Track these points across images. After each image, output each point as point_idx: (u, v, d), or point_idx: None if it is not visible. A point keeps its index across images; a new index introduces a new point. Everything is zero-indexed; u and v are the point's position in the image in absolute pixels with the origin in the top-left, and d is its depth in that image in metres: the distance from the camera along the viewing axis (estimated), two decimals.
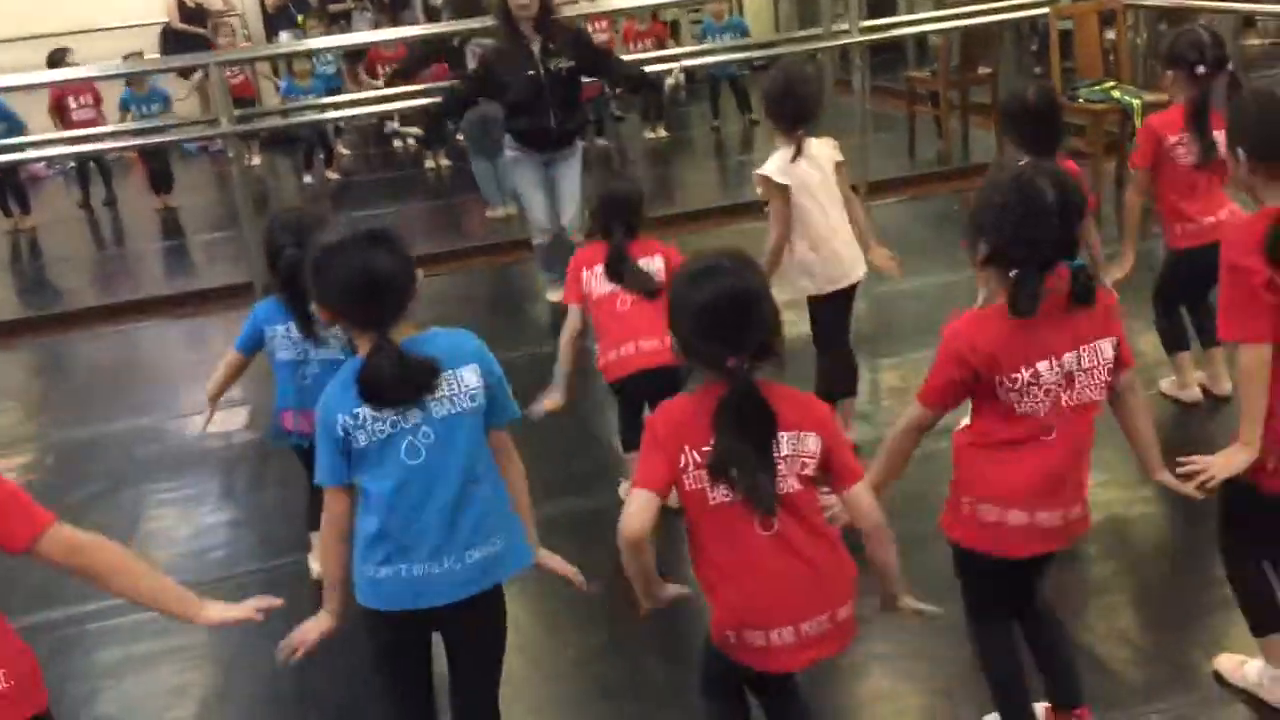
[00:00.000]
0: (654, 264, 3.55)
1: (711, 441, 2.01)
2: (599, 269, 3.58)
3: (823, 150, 3.72)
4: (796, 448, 2.05)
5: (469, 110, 6.15)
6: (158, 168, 9.01)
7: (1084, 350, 2.21)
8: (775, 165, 3.63)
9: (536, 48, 5.17)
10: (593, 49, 5.56)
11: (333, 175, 9.50)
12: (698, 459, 2.03)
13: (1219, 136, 3.56)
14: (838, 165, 3.75)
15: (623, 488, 3.77)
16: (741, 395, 2.00)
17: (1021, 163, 2.31)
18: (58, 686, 3.17)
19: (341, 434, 2.11)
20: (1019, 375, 2.19)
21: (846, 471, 2.10)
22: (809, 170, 3.65)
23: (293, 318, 3.17)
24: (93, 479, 4.39)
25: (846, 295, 3.80)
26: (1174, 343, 4.03)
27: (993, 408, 2.25)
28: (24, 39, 9.85)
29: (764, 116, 3.77)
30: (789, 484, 2.06)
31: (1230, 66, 3.74)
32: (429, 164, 9.41)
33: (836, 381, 3.84)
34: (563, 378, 3.67)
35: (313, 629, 2.24)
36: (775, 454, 2.03)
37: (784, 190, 3.61)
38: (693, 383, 2.11)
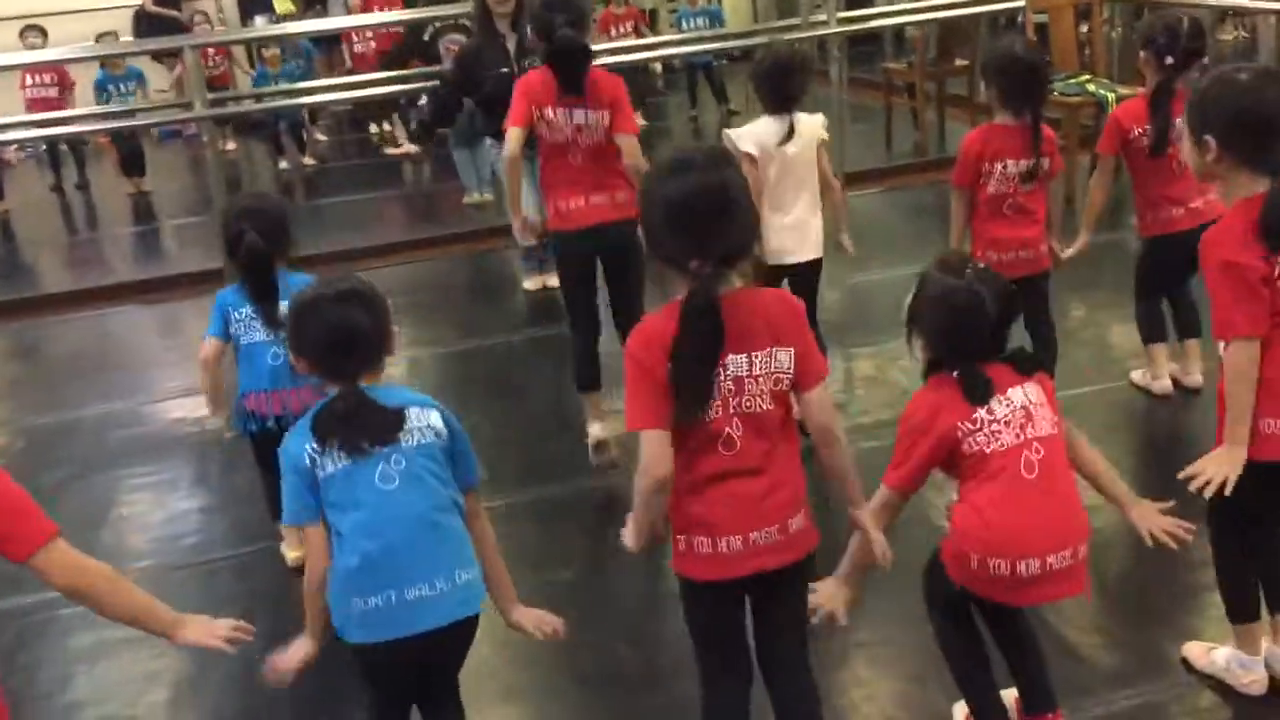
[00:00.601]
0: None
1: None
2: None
3: (811, 127, 3.74)
4: (769, 365, 2.03)
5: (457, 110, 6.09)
6: (128, 151, 8.94)
7: (1028, 386, 2.26)
8: (748, 134, 3.67)
9: (512, 45, 5.11)
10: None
11: (309, 161, 9.46)
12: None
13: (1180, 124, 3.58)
14: (821, 143, 3.78)
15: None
16: (701, 304, 1.95)
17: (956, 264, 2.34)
18: (30, 672, 3.16)
19: (308, 463, 2.10)
20: (979, 417, 2.22)
21: (810, 376, 2.09)
22: (789, 147, 3.68)
23: (257, 305, 3.17)
24: (65, 464, 4.36)
25: (796, 273, 3.79)
26: (1151, 333, 4.03)
27: (970, 469, 2.26)
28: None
29: (753, 94, 3.80)
30: (760, 403, 2.04)
31: (1205, 60, 3.74)
32: (400, 148, 9.37)
33: None
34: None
35: (295, 653, 2.23)
36: (744, 373, 2.01)
37: (749, 158, 3.63)
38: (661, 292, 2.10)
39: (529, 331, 5.45)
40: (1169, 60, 3.69)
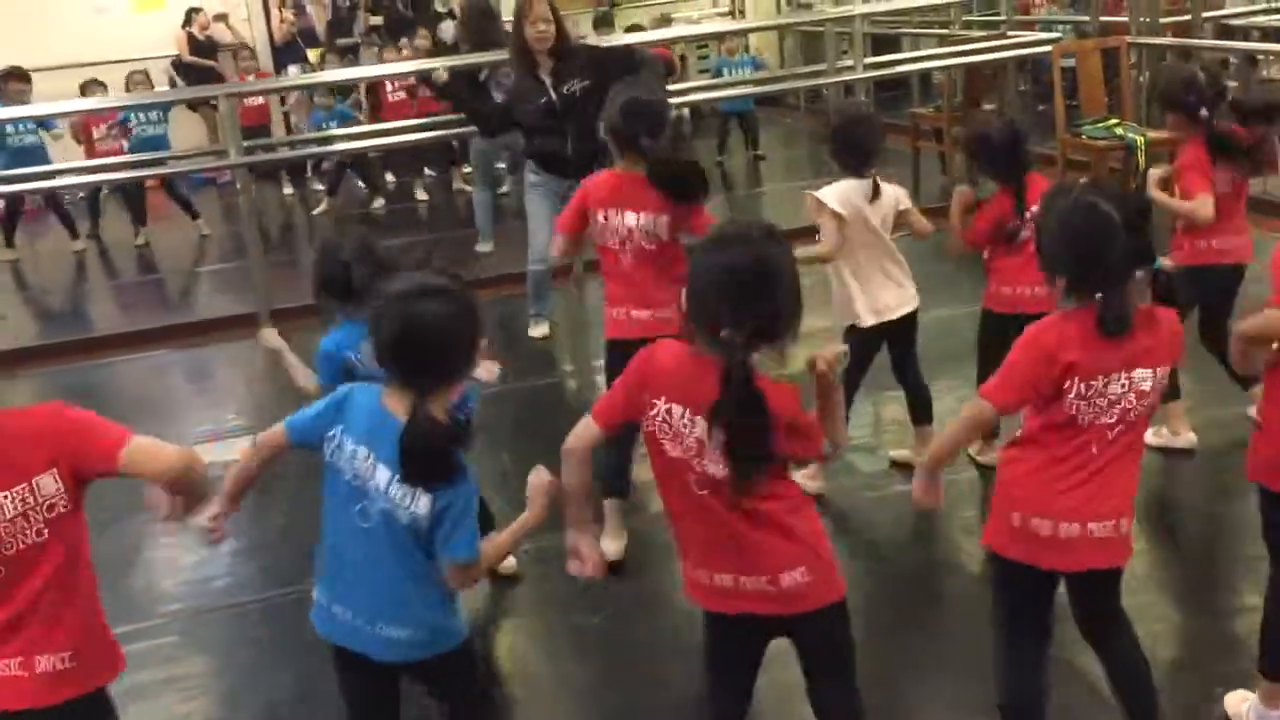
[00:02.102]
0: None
1: (695, 402, 2.01)
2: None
3: (890, 190, 3.75)
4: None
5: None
6: (136, 205, 9.02)
7: (1159, 370, 2.21)
8: (835, 192, 3.64)
9: (549, 76, 5.19)
10: (605, 58, 5.35)
11: (378, 204, 9.44)
12: (673, 414, 2.05)
13: None
14: (900, 213, 3.78)
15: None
16: (735, 374, 1.97)
17: (1063, 186, 2.32)
18: None
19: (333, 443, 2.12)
20: (1094, 384, 2.18)
21: (809, 445, 2.11)
22: (875, 206, 3.68)
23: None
24: (98, 506, 4.31)
25: (898, 328, 3.83)
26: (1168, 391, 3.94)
27: (1050, 418, 2.23)
28: (35, 70, 9.91)
29: (831, 157, 3.77)
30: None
31: (1229, 97, 3.74)
32: (419, 195, 9.46)
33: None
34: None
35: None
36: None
37: (836, 216, 3.62)
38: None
39: (556, 377, 5.47)
40: (1204, 113, 3.70)
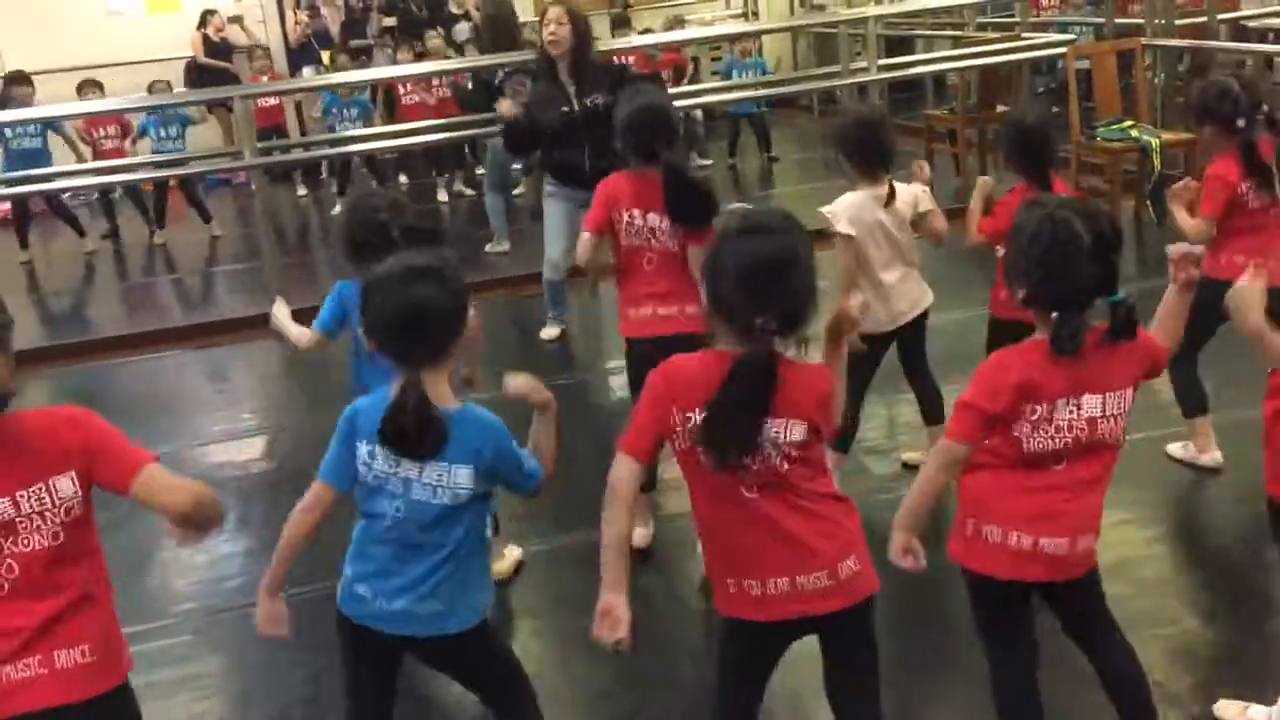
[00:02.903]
0: None
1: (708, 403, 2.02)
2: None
3: (909, 192, 3.70)
4: (781, 436, 2.06)
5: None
6: (158, 206, 9.07)
7: (1110, 396, 2.20)
8: (843, 211, 3.58)
9: (572, 87, 5.19)
10: (624, 78, 5.37)
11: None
12: (682, 423, 2.05)
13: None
14: (921, 214, 3.73)
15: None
16: (760, 360, 1.99)
17: (1042, 200, 2.30)
18: None
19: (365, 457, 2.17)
20: (1039, 409, 2.18)
21: (829, 422, 2.14)
22: (887, 215, 3.62)
23: None
24: (113, 505, 4.35)
25: (910, 331, 3.80)
26: (1198, 404, 3.84)
27: (1005, 436, 2.24)
28: (50, 72, 9.99)
29: (843, 160, 3.69)
30: (780, 463, 2.07)
31: (1265, 106, 3.63)
32: (441, 198, 9.50)
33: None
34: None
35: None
36: (764, 433, 2.04)
37: (845, 240, 3.57)
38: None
39: (572, 377, 5.48)
40: (1240, 123, 3.60)
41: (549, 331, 5.89)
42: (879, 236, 3.64)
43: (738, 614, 2.16)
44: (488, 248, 7.53)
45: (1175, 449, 3.95)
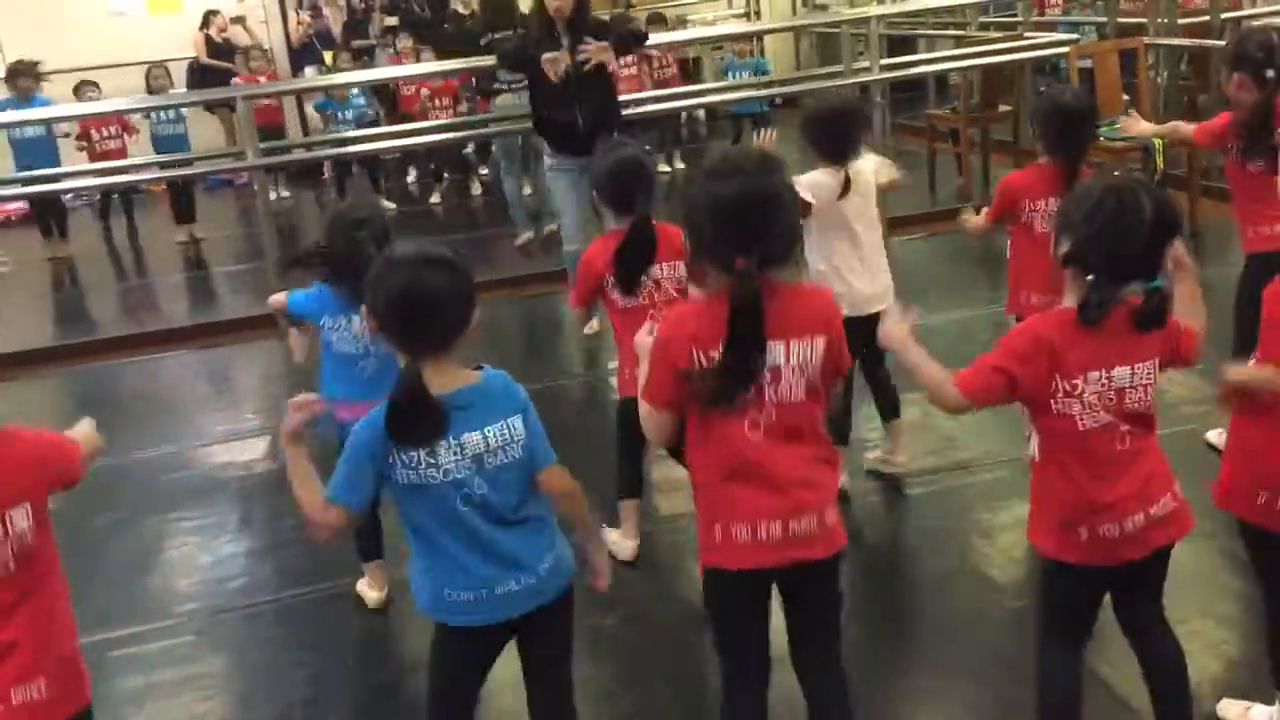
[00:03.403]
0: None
1: (720, 345, 2.03)
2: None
3: (867, 176, 3.64)
4: (805, 355, 2.08)
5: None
6: (183, 199, 9.11)
7: (1138, 367, 2.17)
8: (807, 180, 3.54)
9: (567, 42, 5.25)
10: (606, 29, 5.49)
11: (389, 205, 9.47)
12: (704, 360, 2.06)
13: None
14: (880, 186, 3.69)
15: (611, 536, 3.59)
16: (746, 301, 2.01)
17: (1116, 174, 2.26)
18: None
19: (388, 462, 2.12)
20: (1077, 382, 2.15)
21: (838, 368, 2.17)
22: (845, 202, 3.59)
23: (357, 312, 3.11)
24: (116, 506, 4.41)
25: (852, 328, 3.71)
26: None
27: (1050, 423, 2.20)
28: (53, 72, 9.99)
29: (806, 145, 3.65)
30: (795, 393, 2.09)
31: None
32: (434, 199, 9.50)
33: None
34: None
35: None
36: (780, 361, 2.06)
37: (805, 205, 3.51)
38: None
39: (582, 376, 5.48)
40: (1270, 74, 3.55)
41: (588, 327, 5.84)
42: (838, 223, 3.60)
43: (722, 562, 2.16)
44: (517, 242, 7.52)
45: (1213, 435, 3.96)
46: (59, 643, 2.00)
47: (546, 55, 5.21)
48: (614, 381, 3.97)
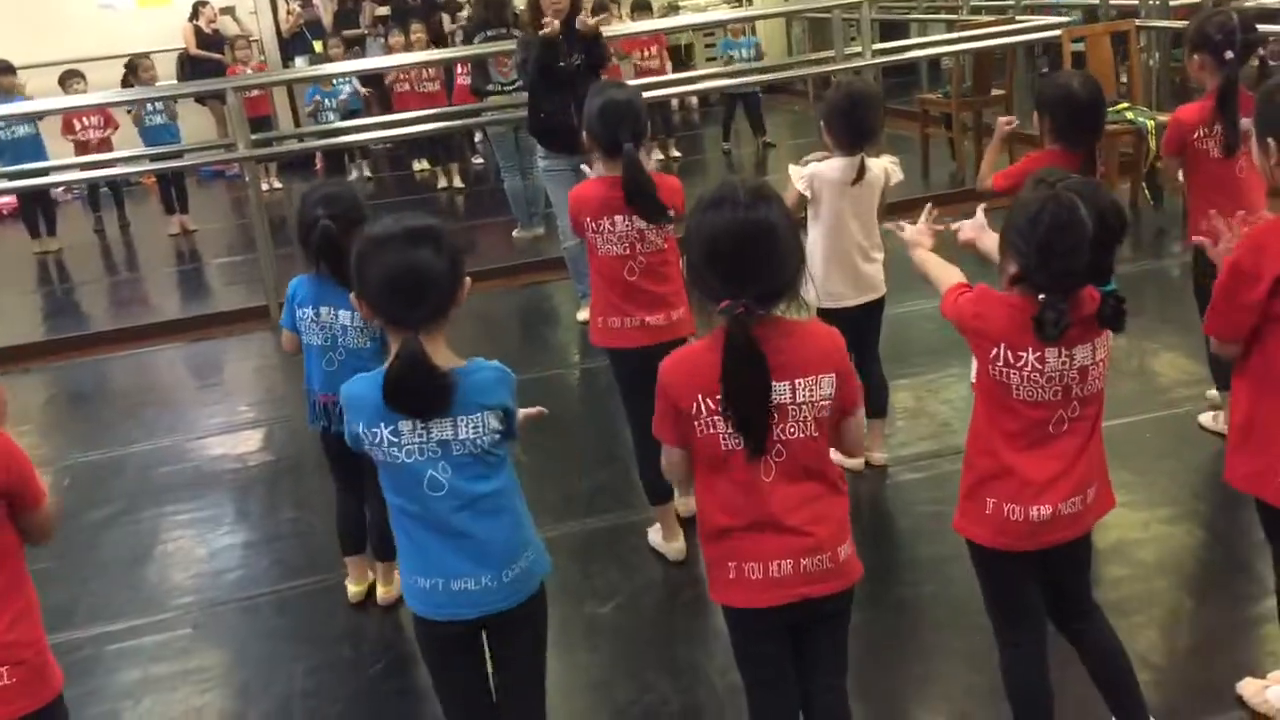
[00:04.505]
0: None
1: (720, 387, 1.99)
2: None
3: (878, 168, 3.64)
4: (813, 393, 2.03)
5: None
6: (173, 190, 9.10)
7: (1096, 342, 2.17)
8: (810, 173, 3.56)
9: (559, 45, 5.31)
10: (588, 38, 5.47)
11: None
12: (710, 406, 2.01)
13: (1247, 124, 3.41)
14: (888, 188, 3.69)
15: (651, 534, 3.64)
16: (739, 343, 1.95)
17: (1055, 179, 2.22)
18: (77, 708, 3.17)
19: (358, 437, 2.11)
20: (1024, 355, 2.14)
21: (847, 403, 2.11)
22: (854, 192, 3.59)
23: (326, 292, 3.13)
24: (111, 500, 4.41)
25: (849, 317, 3.63)
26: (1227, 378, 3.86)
27: (992, 391, 2.21)
28: (42, 65, 9.96)
29: (823, 133, 3.65)
30: (804, 430, 2.04)
31: (1263, 51, 3.59)
32: (441, 184, 9.49)
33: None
34: None
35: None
36: (787, 400, 2.00)
37: (797, 195, 3.55)
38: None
39: (579, 365, 5.48)
40: (1228, 55, 3.53)
41: (583, 314, 5.84)
42: (846, 211, 3.60)
43: (734, 602, 2.14)
44: (515, 233, 7.51)
45: (1205, 418, 3.96)
46: (30, 631, 2.04)
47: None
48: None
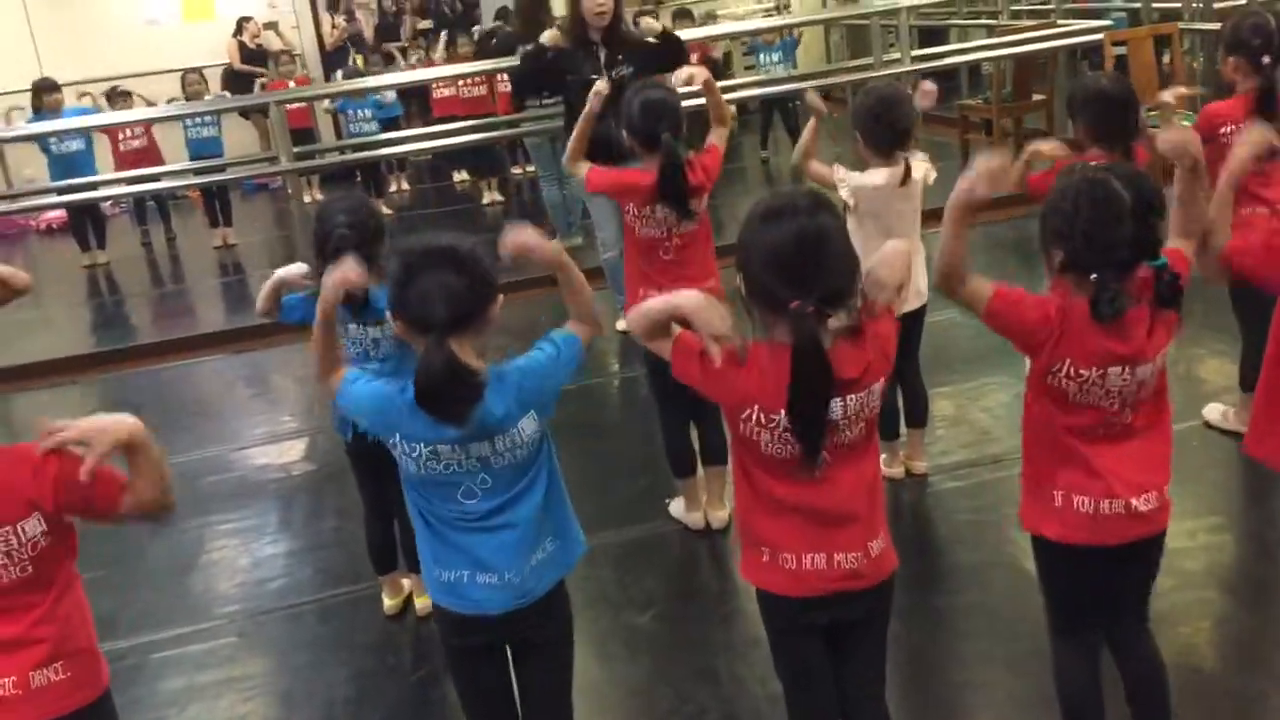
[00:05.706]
0: None
1: (784, 400, 1.96)
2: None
3: (917, 169, 3.62)
4: (866, 402, 2.03)
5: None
6: (218, 204, 9.22)
7: (1157, 359, 2.16)
8: (855, 183, 3.55)
9: (603, 55, 5.20)
10: (653, 45, 5.36)
11: (384, 210, 9.64)
12: (763, 419, 2.00)
13: None
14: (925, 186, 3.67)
15: (673, 505, 3.74)
16: (807, 346, 1.93)
17: (1091, 163, 2.20)
18: (122, 715, 3.21)
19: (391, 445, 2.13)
20: (1087, 373, 2.13)
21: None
22: (901, 195, 3.57)
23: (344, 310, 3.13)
24: None
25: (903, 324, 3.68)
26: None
27: (1048, 392, 2.19)
28: (92, 81, 10.13)
29: (856, 138, 3.64)
30: (853, 435, 2.04)
31: None
32: (486, 198, 9.54)
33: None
34: None
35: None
36: (840, 412, 2.00)
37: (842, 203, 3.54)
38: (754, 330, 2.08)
39: (618, 374, 5.49)
40: (1266, 59, 3.49)
41: (622, 323, 5.83)
42: (892, 219, 3.56)
43: (766, 585, 2.14)
44: (553, 243, 7.51)
45: (1213, 414, 3.92)
46: (81, 632, 2.07)
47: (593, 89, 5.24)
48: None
